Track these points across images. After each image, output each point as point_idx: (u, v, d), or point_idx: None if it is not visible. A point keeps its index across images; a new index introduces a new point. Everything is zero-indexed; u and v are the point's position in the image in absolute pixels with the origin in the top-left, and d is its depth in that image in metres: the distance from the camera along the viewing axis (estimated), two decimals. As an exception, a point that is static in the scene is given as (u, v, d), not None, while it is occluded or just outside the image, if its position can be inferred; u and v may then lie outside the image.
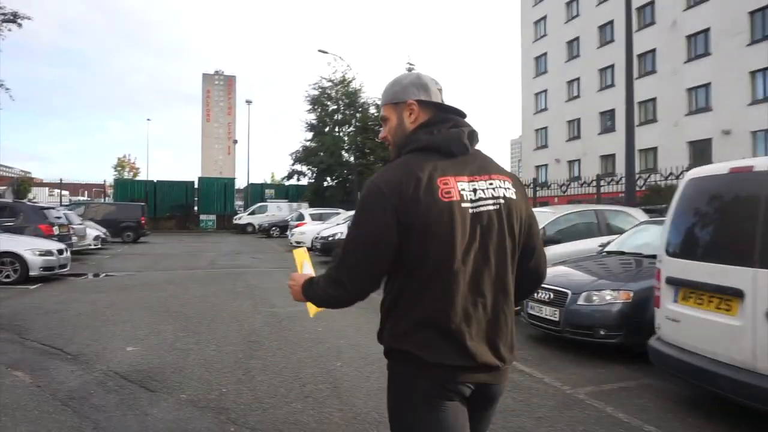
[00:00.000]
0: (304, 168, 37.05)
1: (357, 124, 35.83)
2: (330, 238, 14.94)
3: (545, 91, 39.92)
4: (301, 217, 22.81)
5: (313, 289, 1.63)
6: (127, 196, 33.59)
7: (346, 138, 37.49)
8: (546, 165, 38.94)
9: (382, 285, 1.58)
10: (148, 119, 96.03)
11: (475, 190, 1.50)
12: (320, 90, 37.11)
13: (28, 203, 13.85)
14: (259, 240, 26.96)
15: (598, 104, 34.29)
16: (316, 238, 16.29)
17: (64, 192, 57.46)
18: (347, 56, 77.65)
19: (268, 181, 47.01)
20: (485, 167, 1.56)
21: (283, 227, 27.13)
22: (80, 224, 16.49)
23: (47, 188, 73.17)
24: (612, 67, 33.26)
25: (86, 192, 65.39)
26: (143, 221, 24.53)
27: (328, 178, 37.12)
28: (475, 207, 1.49)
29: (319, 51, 30.13)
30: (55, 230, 13.14)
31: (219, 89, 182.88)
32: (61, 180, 38.98)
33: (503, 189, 1.55)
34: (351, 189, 35.62)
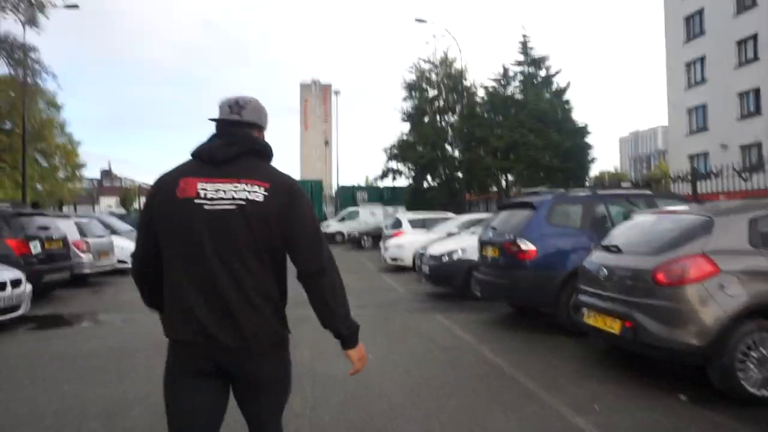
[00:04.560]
0: (400, 165, 31.80)
1: (462, 111, 30.03)
2: (445, 258, 9.30)
3: (702, 58, 31.41)
4: (397, 224, 17.37)
5: None
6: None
7: (449, 128, 31.79)
8: (705, 153, 30.47)
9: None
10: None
11: (217, 191, 1.74)
12: (419, 73, 31.78)
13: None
14: (347, 253, 21.99)
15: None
16: (422, 255, 10.73)
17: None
18: (449, 29, 69.97)
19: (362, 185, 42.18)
20: (240, 173, 1.76)
21: (377, 237, 21.96)
22: (102, 236, 12.26)
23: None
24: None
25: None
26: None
27: (429, 177, 31.57)
28: (213, 204, 1.73)
29: (417, 20, 24.81)
30: (33, 248, 8.73)
31: (316, 97, 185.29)
32: (139, 186, 37.00)
33: (247, 192, 1.74)
34: (458, 189, 29.82)
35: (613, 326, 4.46)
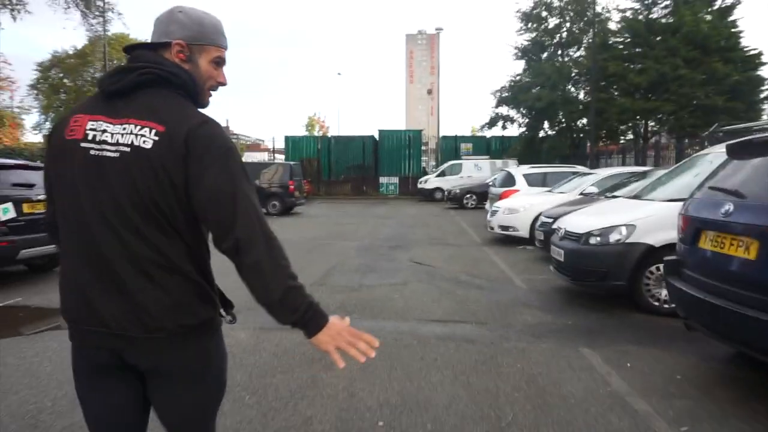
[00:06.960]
0: (512, 111, 27.21)
1: (590, 41, 24.59)
2: (594, 239, 5.58)
3: None
4: (509, 181, 13.52)
5: None
6: (299, 156, 28.31)
7: (573, 65, 26.48)
8: None
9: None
10: (339, 73, 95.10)
11: (104, 131, 1.36)
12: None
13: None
14: (446, 213, 18.56)
15: None
16: (546, 226, 7.05)
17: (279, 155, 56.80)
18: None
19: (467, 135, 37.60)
20: (132, 111, 1.35)
21: (482, 195, 18.28)
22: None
23: (266, 153, 74.74)
24: None
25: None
26: (291, 186, 18.11)
27: (546, 124, 26.74)
28: (99, 150, 1.34)
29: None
30: (1, 212, 6.35)
31: (422, 49, 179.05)
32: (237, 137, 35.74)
33: (134, 136, 1.32)
34: (580, 139, 24.85)
35: None
